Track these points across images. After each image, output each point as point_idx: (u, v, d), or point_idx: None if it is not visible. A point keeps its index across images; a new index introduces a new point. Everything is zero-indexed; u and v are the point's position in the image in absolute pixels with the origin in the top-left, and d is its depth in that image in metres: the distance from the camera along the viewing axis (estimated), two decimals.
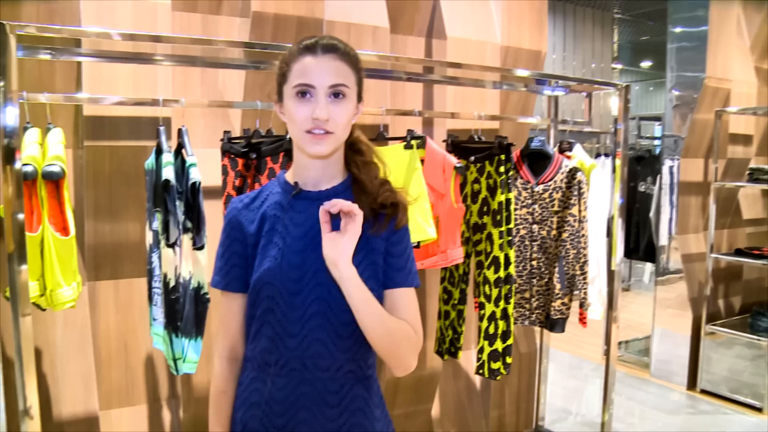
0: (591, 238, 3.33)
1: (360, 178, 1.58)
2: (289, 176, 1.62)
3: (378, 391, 1.65)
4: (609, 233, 3.48)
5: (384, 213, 1.56)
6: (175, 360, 2.38)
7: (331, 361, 1.53)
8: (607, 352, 3.47)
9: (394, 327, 1.51)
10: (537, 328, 3.94)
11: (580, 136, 7.11)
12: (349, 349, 1.54)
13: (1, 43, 1.98)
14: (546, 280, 3.29)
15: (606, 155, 6.05)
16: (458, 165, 2.74)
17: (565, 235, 3.22)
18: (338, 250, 1.44)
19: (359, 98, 1.56)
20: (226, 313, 1.64)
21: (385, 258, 1.56)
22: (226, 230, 1.62)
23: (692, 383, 5.28)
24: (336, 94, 1.47)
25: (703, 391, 5.19)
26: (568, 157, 3.47)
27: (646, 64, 15.48)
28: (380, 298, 1.55)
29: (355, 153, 1.61)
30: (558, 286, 3.25)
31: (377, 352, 1.54)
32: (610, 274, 3.39)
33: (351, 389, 1.56)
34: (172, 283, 2.32)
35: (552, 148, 3.38)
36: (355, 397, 1.56)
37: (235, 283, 1.60)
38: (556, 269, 3.25)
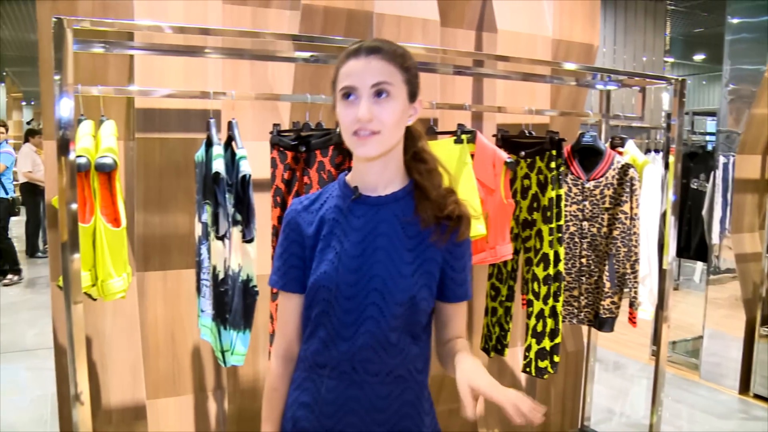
0: (642, 236, 3.29)
1: (423, 185, 1.58)
2: (350, 179, 1.63)
3: (428, 398, 1.67)
4: (661, 231, 3.43)
5: (447, 224, 1.56)
6: (223, 352, 2.41)
7: (380, 366, 1.54)
8: (656, 353, 3.43)
9: None
10: (584, 327, 3.91)
11: (628, 132, 7.03)
12: (399, 354, 1.55)
13: (59, 38, 2.04)
14: (595, 278, 3.26)
15: (656, 151, 5.95)
16: (509, 160, 2.72)
17: (616, 232, 3.19)
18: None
19: (412, 98, 1.55)
20: (282, 312, 1.67)
21: (445, 270, 1.58)
22: (285, 231, 1.64)
23: (745, 387, 5.18)
24: (379, 93, 1.46)
25: (757, 396, 5.09)
26: (620, 153, 3.43)
27: (698, 57, 15.20)
28: (430, 308, 1.60)
29: (418, 162, 1.61)
30: (608, 284, 3.22)
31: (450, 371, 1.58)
32: (662, 273, 3.35)
33: (401, 395, 1.58)
34: (221, 276, 2.35)
35: (604, 144, 3.34)
36: (404, 403, 1.58)
37: (293, 283, 1.62)
38: (606, 267, 3.21)
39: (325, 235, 1.58)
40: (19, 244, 10.80)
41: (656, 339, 3.41)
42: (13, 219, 9.15)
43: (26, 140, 9.98)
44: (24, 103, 23.55)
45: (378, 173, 1.57)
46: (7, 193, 8.51)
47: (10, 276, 8.52)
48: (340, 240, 1.56)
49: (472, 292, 1.65)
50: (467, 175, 2.65)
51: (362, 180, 1.59)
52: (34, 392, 4.85)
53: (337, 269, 1.53)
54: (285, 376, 1.67)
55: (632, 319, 3.33)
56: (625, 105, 8.72)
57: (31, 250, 10.06)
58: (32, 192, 9.77)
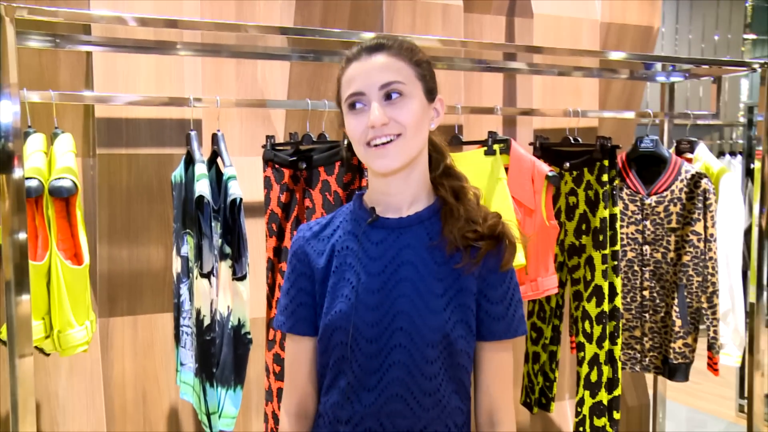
0: (721, 262, 3.29)
1: (451, 202, 1.61)
2: (367, 199, 1.68)
3: None
4: (745, 255, 3.43)
5: (478, 247, 1.59)
6: (208, 415, 2.44)
7: (412, 421, 1.57)
8: (748, 408, 3.41)
9: None
10: (649, 375, 3.91)
11: (696, 131, 7.01)
12: (435, 407, 1.58)
13: None
14: (662, 314, 3.28)
15: (732, 154, 5.94)
16: (551, 173, 2.76)
17: (686, 258, 3.21)
18: None
19: (430, 97, 1.61)
20: (292, 360, 1.70)
21: (480, 302, 1.60)
22: (292, 263, 1.69)
23: None
24: (390, 94, 1.53)
25: None
26: (689, 160, 3.45)
27: None
28: (470, 348, 1.61)
29: (448, 177, 1.66)
30: (678, 322, 3.22)
31: None
32: (750, 308, 3.32)
33: None
34: (206, 321, 2.39)
35: (667, 150, 3.36)
36: None
37: (302, 324, 1.67)
38: (675, 301, 3.22)
39: (338, 267, 1.63)
40: None
41: (746, 391, 3.37)
42: None
43: None
44: None
45: (399, 191, 1.62)
46: None
47: None
48: (357, 272, 1.60)
49: (525, 328, 1.66)
50: (501, 193, 2.69)
51: (380, 199, 1.64)
52: None
53: (354, 307, 1.57)
54: None
55: (713, 366, 3.33)
56: (692, 99, 8.66)
57: None
58: None
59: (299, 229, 1.73)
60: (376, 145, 1.52)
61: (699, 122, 6.15)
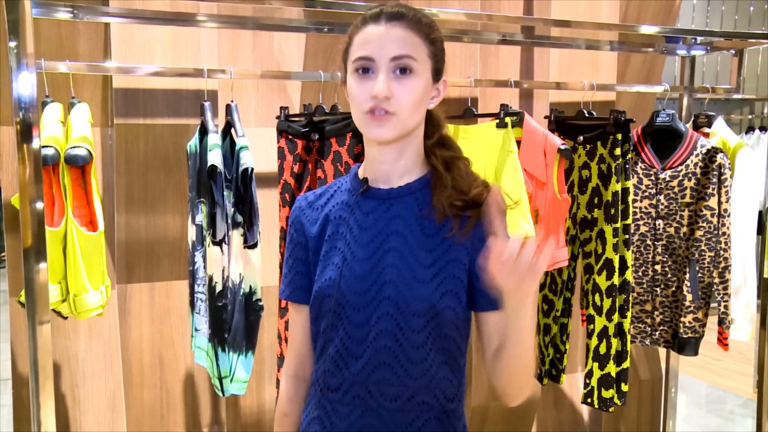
0: (735, 238, 3.31)
1: (442, 173, 1.64)
2: (361, 170, 1.72)
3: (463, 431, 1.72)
4: (760, 231, 3.43)
5: (468, 216, 1.62)
6: (220, 379, 2.52)
7: (399, 389, 1.61)
8: (759, 383, 3.40)
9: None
10: (662, 349, 3.95)
11: (725, 106, 6.93)
12: (422, 376, 1.61)
13: None
14: (673, 289, 3.32)
15: (762, 129, 5.90)
16: (563, 147, 2.79)
17: (699, 233, 3.23)
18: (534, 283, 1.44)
19: (436, 77, 1.63)
20: (292, 326, 1.77)
21: (473, 271, 1.61)
22: (290, 233, 1.75)
23: None
24: (400, 68, 1.54)
25: None
26: (706, 135, 3.46)
27: None
28: (461, 320, 1.63)
29: (441, 148, 1.68)
30: (689, 296, 3.25)
31: (509, 382, 1.62)
32: (763, 284, 3.32)
33: (425, 425, 1.63)
34: (218, 288, 2.46)
35: (684, 124, 3.37)
36: None
37: (300, 292, 1.73)
38: (687, 276, 3.26)
39: (330, 236, 1.68)
40: None
41: (760, 367, 3.35)
42: None
43: None
44: None
45: (392, 161, 1.65)
46: None
47: None
48: (347, 241, 1.64)
49: None
50: (512, 166, 2.72)
51: (374, 169, 1.68)
52: None
53: (342, 275, 1.62)
54: (297, 399, 1.77)
55: (723, 341, 3.35)
56: (722, 72, 8.57)
57: None
58: None
59: (297, 200, 1.79)
60: (374, 115, 1.54)
61: (725, 96, 6.12)
